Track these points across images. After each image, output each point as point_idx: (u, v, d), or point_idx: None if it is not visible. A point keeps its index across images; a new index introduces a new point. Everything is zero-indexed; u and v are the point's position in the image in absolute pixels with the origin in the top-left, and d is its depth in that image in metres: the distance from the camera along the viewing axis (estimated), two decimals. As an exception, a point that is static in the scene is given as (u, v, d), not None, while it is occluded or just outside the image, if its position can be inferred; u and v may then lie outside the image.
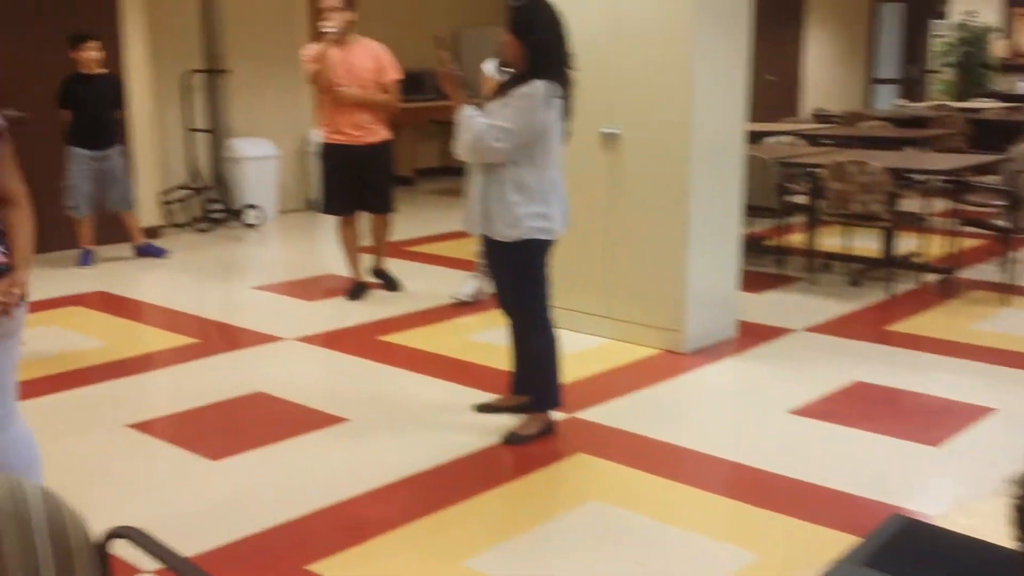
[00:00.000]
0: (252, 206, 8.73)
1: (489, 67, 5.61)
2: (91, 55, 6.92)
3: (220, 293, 6.90)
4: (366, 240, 6.46)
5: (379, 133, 6.07)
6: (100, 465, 3.83)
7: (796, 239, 7.41)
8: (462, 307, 6.05)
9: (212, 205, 8.72)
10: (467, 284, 6.17)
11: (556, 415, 4.14)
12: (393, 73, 6.00)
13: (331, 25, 5.71)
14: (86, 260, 7.17)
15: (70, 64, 6.92)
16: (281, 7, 9.30)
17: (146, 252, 7.46)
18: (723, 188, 5.14)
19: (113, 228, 7.41)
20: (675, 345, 5.10)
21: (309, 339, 5.48)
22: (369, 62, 5.93)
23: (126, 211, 7.32)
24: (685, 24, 4.78)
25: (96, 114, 7.00)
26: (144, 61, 7.93)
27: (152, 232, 8.03)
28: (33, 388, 4.65)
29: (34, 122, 7.01)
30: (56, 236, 7.27)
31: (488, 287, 6.03)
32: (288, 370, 5.01)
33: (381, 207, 6.29)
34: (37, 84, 6.97)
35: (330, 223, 9.09)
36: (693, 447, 3.97)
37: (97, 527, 1.78)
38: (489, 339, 5.34)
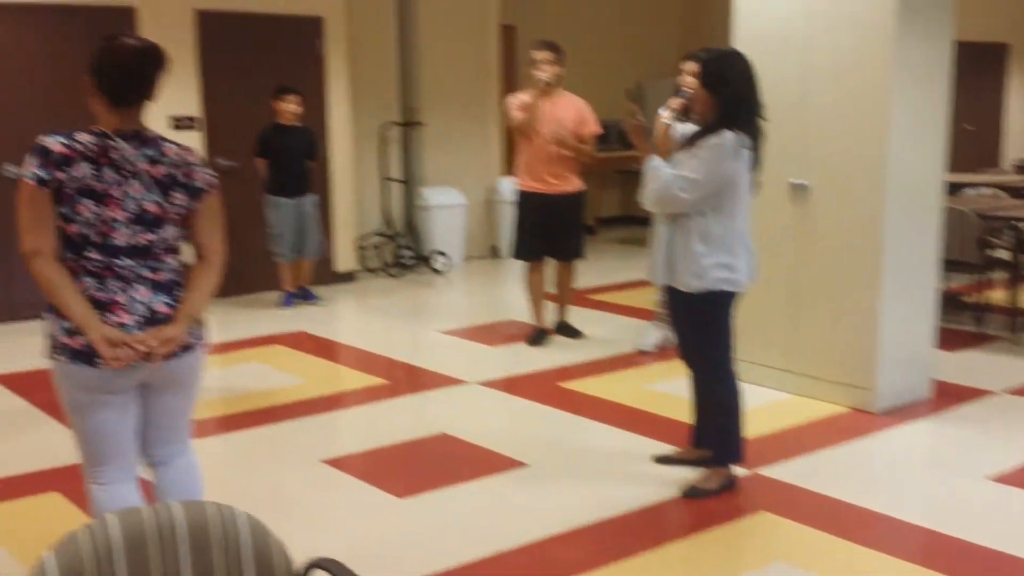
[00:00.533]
0: (440, 252, 9.04)
1: (665, 113, 5.66)
2: (290, 107, 7.34)
3: (408, 336, 7.16)
4: (551, 287, 6.58)
5: (574, 183, 6.25)
6: (295, 497, 4.04)
7: (997, 296, 7.02)
8: (643, 356, 6.05)
9: (403, 251, 9.09)
10: (650, 334, 6.17)
11: (738, 470, 4.07)
12: (593, 126, 6.22)
13: (544, 76, 6.01)
14: (288, 302, 7.59)
15: (272, 115, 7.39)
16: (474, 64, 9.65)
17: (302, 296, 7.73)
18: (919, 241, 4.95)
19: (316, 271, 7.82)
20: (864, 404, 4.93)
21: (491, 383, 5.61)
22: (571, 114, 6.16)
23: (312, 258, 7.66)
24: (881, 74, 4.67)
25: (291, 164, 7.40)
26: (345, 115, 8.40)
27: (347, 276, 8.43)
28: (237, 422, 4.97)
29: (243, 169, 7.57)
30: (260, 278, 7.76)
31: (671, 337, 6.01)
32: (471, 413, 5.14)
33: (570, 254, 6.42)
34: (248, 134, 7.47)
35: (514, 270, 9.32)
36: (883, 511, 3.81)
37: (292, 556, 1.89)
38: (670, 390, 5.31)
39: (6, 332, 6.69)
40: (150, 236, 2.72)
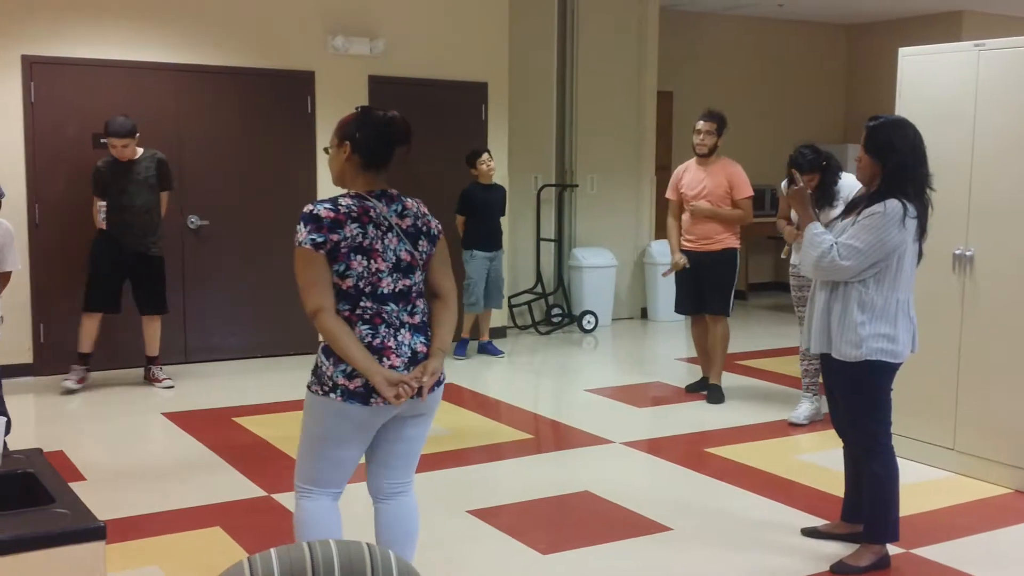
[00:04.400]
0: (590, 312, 9.12)
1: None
2: (490, 166, 7.75)
3: (555, 393, 7.23)
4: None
5: (724, 242, 6.48)
6: (441, 545, 4.13)
7: None
8: (794, 428, 5.93)
9: (554, 310, 9.21)
10: (802, 407, 6.03)
11: (891, 549, 3.93)
12: (745, 191, 6.45)
13: (702, 147, 6.41)
14: (461, 351, 7.83)
15: (465, 177, 7.76)
16: (630, 128, 9.77)
17: (486, 350, 7.99)
18: (1094, 319, 4.71)
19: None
20: (1031, 487, 4.68)
21: (636, 444, 5.60)
22: (723, 180, 6.41)
23: (490, 309, 7.94)
24: (1053, 144, 4.51)
25: (491, 220, 7.79)
26: (503, 175, 8.64)
27: (499, 332, 8.61)
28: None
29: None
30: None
31: (823, 407, 5.88)
32: (615, 472, 5.15)
33: (716, 309, 6.53)
34: (408, 192, 7.75)
35: (661, 332, 9.30)
36: (1049, 601, 3.61)
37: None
38: (819, 461, 5.19)
39: (180, 373, 7.12)
40: (407, 282, 3.04)
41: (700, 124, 6.50)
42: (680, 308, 6.84)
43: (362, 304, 2.96)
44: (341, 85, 7.76)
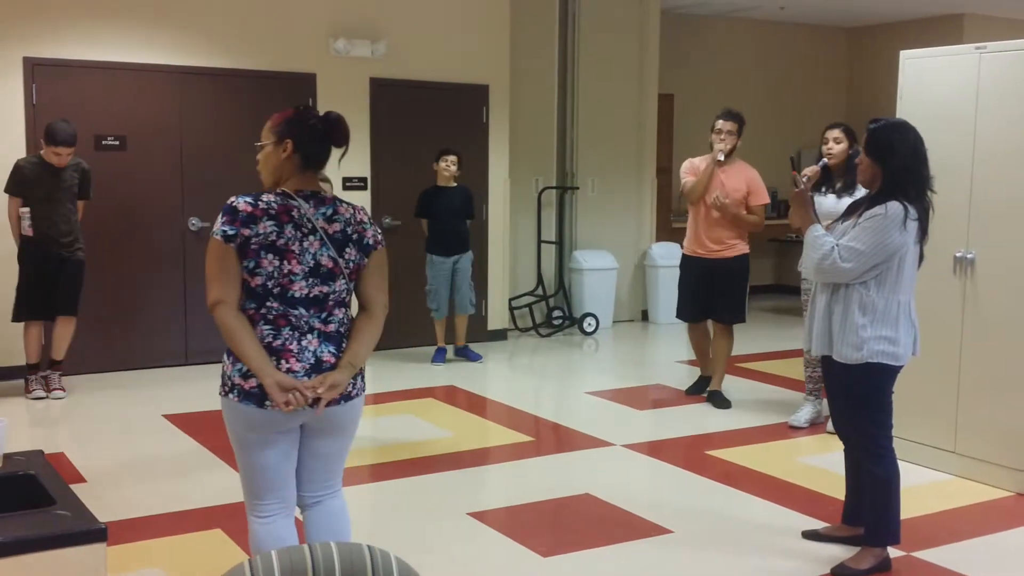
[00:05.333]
0: (591, 314, 9.11)
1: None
2: (449, 169, 7.53)
3: (555, 395, 7.23)
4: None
5: (737, 248, 6.31)
6: (441, 547, 4.13)
7: None
8: (794, 430, 5.92)
9: (554, 312, 9.20)
10: (803, 410, 6.02)
11: (892, 552, 3.93)
12: (764, 197, 6.31)
13: (722, 147, 6.17)
14: (439, 357, 7.79)
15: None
16: (631, 131, 9.77)
17: (463, 354, 7.91)
18: (1095, 322, 4.71)
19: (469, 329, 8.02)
20: (1032, 490, 4.68)
21: (637, 446, 5.60)
22: (741, 184, 6.24)
23: (463, 314, 7.81)
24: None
25: (449, 223, 7.60)
26: (504, 178, 8.64)
27: (499, 334, 8.61)
28: (387, 471, 5.13)
29: (405, 228, 7.88)
30: (419, 333, 8.01)
31: (823, 411, 5.88)
32: (616, 475, 5.15)
33: (728, 318, 6.42)
34: (411, 195, 7.75)
35: (662, 334, 9.30)
36: (1050, 605, 3.61)
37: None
38: (820, 463, 5.18)
39: (181, 376, 7.12)
40: (324, 288, 2.91)
41: (720, 123, 6.24)
42: (683, 315, 6.60)
43: (268, 304, 2.86)
44: (343, 87, 7.76)
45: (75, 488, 2.61)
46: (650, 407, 6.58)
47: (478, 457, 5.43)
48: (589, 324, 9.08)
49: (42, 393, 6.41)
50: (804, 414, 5.98)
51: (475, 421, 6.22)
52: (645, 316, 9.94)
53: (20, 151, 6.75)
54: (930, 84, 5.06)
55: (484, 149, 8.49)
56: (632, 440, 5.70)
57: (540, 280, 9.18)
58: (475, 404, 6.63)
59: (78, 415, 6.18)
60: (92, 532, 2.28)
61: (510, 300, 8.96)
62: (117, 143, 7.09)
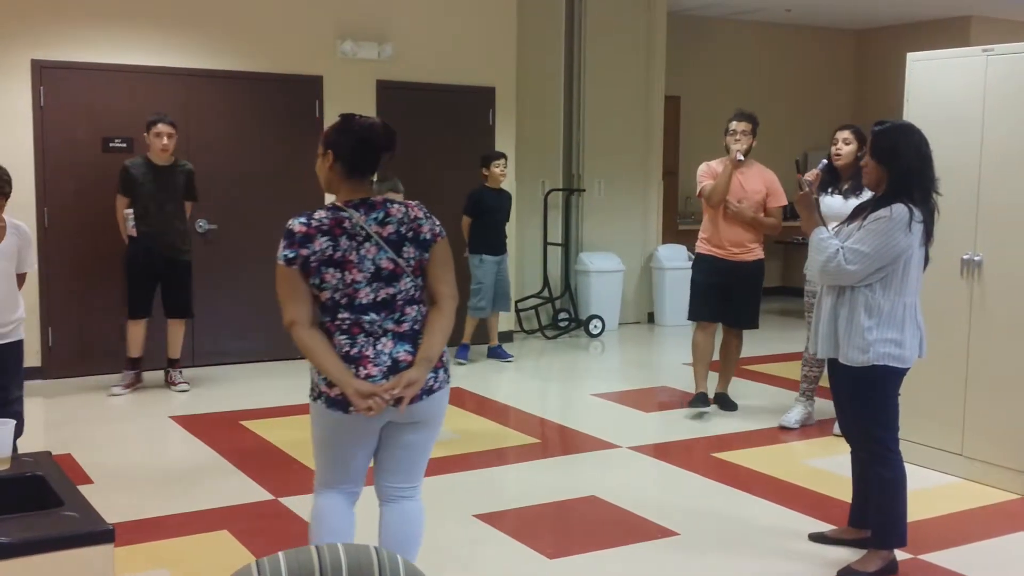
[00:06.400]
0: (597, 316, 9.11)
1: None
2: (504, 172, 7.72)
3: (561, 397, 7.23)
4: (718, 354, 6.52)
5: (755, 252, 6.22)
6: (447, 549, 4.13)
7: None
8: (791, 431, 5.92)
9: (560, 314, 9.21)
10: (793, 410, 6.01)
11: (899, 554, 3.92)
12: (782, 199, 6.20)
13: (739, 148, 6.07)
14: (463, 354, 7.82)
15: (471, 181, 7.73)
16: (638, 133, 9.77)
17: (496, 354, 8.00)
18: (1103, 324, 4.70)
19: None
20: (1040, 493, 4.67)
21: (643, 448, 5.60)
22: (760, 186, 6.15)
23: (497, 313, 7.93)
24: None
25: (499, 224, 7.77)
26: (510, 180, 8.64)
27: (505, 336, 8.61)
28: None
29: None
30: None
31: (815, 413, 5.89)
32: (622, 477, 5.14)
33: (742, 323, 6.35)
34: (413, 195, 7.74)
35: (669, 336, 9.28)
36: (1058, 608, 3.59)
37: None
38: (827, 466, 5.18)
39: (189, 377, 7.12)
40: (390, 291, 3.00)
41: (734, 124, 6.12)
42: (697, 315, 6.31)
43: (340, 315, 2.97)
44: (349, 90, 7.77)
45: (83, 489, 2.62)
46: (656, 409, 6.58)
47: (484, 459, 5.43)
48: (595, 326, 9.08)
49: (120, 391, 6.56)
50: (794, 415, 5.97)
51: (481, 423, 6.22)
52: (651, 318, 9.94)
53: (28, 153, 6.78)
54: (937, 86, 5.05)
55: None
56: (638, 442, 5.70)
57: (546, 282, 9.18)
58: (481, 406, 6.63)
59: (86, 416, 6.20)
60: (100, 533, 2.29)
61: (516, 302, 8.96)
62: (124, 145, 7.10)
